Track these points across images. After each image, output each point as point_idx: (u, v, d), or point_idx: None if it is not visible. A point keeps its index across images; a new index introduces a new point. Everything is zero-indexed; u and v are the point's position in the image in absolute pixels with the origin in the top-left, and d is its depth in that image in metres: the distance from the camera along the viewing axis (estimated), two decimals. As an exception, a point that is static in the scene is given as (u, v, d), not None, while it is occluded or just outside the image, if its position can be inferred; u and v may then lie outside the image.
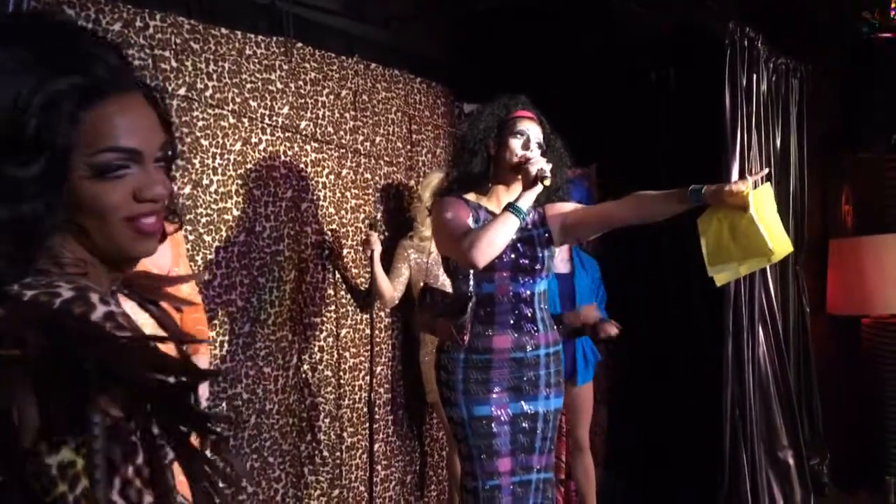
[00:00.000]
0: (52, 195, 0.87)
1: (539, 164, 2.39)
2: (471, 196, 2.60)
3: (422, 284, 3.37)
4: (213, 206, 3.01)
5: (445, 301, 2.59)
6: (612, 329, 3.44)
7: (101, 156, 0.90)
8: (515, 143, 2.52)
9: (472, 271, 2.51)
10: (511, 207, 2.36)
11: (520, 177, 2.46)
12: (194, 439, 0.82)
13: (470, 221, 2.49)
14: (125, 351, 0.79)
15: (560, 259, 3.67)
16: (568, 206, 2.64)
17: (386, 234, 3.79)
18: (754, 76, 3.77)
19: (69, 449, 0.74)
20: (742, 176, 3.71)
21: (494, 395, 2.52)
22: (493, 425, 2.50)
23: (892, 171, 4.35)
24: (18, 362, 0.74)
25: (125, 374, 0.77)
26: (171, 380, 0.80)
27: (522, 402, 2.55)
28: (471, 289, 2.55)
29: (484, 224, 2.41)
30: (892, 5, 4.04)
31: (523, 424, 2.55)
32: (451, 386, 2.53)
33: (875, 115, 4.31)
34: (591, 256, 3.80)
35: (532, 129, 2.55)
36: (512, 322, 2.55)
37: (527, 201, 2.38)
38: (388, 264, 3.65)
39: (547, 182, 2.37)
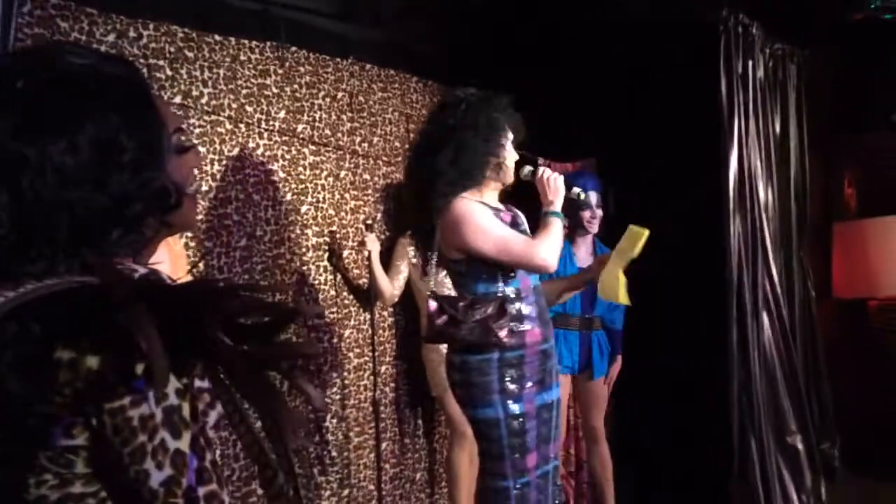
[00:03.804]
0: None
1: (559, 178, 2.65)
2: (469, 193, 2.58)
3: (428, 293, 3.35)
4: (214, 212, 3.04)
5: (476, 306, 2.51)
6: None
7: None
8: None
9: (499, 272, 2.55)
10: (556, 214, 2.62)
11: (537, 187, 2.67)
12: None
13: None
14: (225, 291, 0.89)
15: (586, 252, 3.67)
16: None
17: (386, 233, 3.80)
18: (750, 63, 3.76)
19: (148, 404, 0.81)
20: (740, 162, 3.71)
21: (526, 391, 2.52)
22: (525, 421, 2.50)
23: (894, 151, 4.33)
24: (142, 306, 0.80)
25: (229, 310, 0.84)
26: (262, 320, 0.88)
27: (544, 394, 2.57)
28: (499, 288, 2.55)
29: (547, 233, 2.59)
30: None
31: (545, 416, 2.56)
32: (486, 388, 2.49)
33: (874, 96, 4.30)
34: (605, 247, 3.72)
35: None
36: (536, 315, 2.57)
37: (560, 206, 2.65)
38: (389, 263, 3.66)
39: (584, 197, 2.81)
